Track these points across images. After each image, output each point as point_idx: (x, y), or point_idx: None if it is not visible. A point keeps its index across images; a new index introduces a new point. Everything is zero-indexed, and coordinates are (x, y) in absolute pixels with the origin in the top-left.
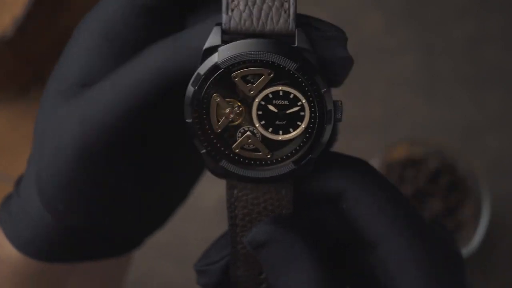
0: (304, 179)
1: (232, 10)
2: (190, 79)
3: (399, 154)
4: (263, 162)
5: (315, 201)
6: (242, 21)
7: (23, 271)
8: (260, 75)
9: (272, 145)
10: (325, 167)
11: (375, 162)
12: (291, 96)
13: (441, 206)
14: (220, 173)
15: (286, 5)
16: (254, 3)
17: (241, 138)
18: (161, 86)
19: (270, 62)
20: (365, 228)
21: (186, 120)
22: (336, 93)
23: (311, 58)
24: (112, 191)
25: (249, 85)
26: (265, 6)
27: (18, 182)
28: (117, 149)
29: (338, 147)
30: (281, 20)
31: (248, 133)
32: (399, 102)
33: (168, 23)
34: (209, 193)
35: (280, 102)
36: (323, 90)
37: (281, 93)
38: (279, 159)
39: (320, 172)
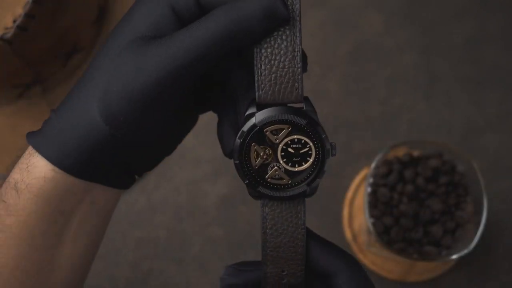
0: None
1: (262, 89)
2: (247, 38)
3: (399, 154)
4: (286, 186)
5: (314, 275)
6: (269, 97)
7: (53, 184)
8: (282, 129)
9: (292, 175)
10: (328, 255)
11: (375, 162)
12: (303, 141)
13: (440, 205)
14: (257, 196)
15: (296, 85)
16: (276, 84)
17: (271, 171)
18: (227, 40)
19: (288, 120)
20: None
21: (235, 162)
22: (336, 93)
23: (314, 116)
24: (159, 117)
25: (275, 136)
26: (283, 87)
27: (57, 109)
28: (181, 89)
29: (339, 147)
30: (294, 95)
31: (275, 167)
32: (399, 102)
33: None
34: (209, 193)
35: (295, 146)
36: (323, 136)
37: (296, 140)
38: (296, 183)
39: (328, 257)
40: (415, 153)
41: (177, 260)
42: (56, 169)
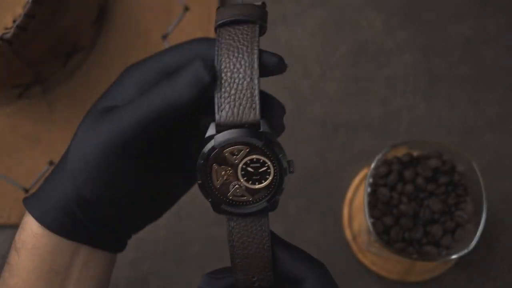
0: (283, 265)
1: (221, 111)
2: (181, 114)
3: (399, 154)
4: (247, 203)
5: (283, 279)
6: (228, 118)
7: (43, 241)
8: (241, 150)
9: (252, 192)
10: (295, 260)
11: (375, 162)
12: (261, 160)
13: (440, 205)
14: (221, 212)
15: (254, 105)
16: (234, 107)
17: (232, 189)
18: (157, 117)
19: (246, 142)
20: None
21: (197, 182)
22: (336, 93)
23: (271, 137)
24: (116, 180)
25: (234, 156)
26: (241, 108)
27: (51, 172)
28: (128, 152)
29: (340, 147)
30: (251, 116)
31: (236, 186)
32: (399, 102)
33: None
34: None
35: (254, 165)
36: (280, 155)
37: (254, 159)
38: (257, 200)
39: (295, 263)
40: (415, 153)
41: (177, 260)
42: (42, 226)
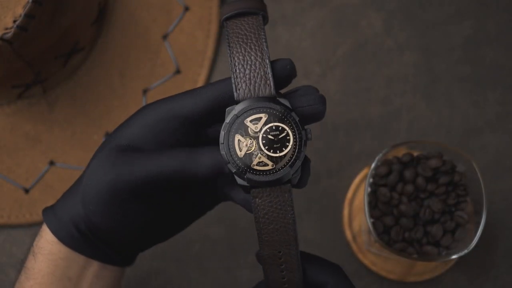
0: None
1: (239, 90)
2: (189, 181)
3: (399, 154)
4: (271, 171)
5: (309, 284)
6: (246, 95)
7: (58, 249)
8: (260, 117)
9: (275, 160)
10: (319, 269)
11: (375, 162)
12: (280, 128)
13: (440, 205)
14: (245, 185)
15: (268, 82)
16: (250, 84)
17: (256, 159)
18: (169, 178)
19: (265, 108)
20: None
21: (221, 153)
22: (336, 93)
23: (287, 104)
24: (123, 212)
25: (255, 125)
26: (256, 85)
27: (65, 195)
28: (138, 196)
29: (340, 147)
30: (267, 91)
31: (259, 155)
32: (399, 102)
33: (201, 129)
34: None
35: (274, 133)
36: (297, 119)
37: (273, 127)
38: (280, 168)
39: (317, 271)
40: (415, 153)
41: (177, 260)
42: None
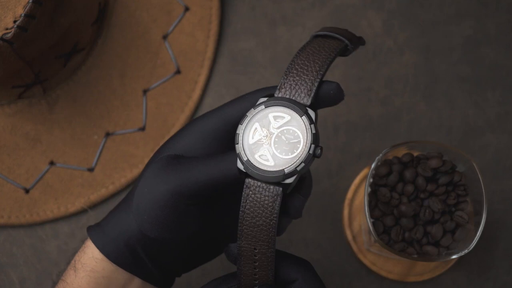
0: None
1: (280, 89)
2: (230, 185)
3: (399, 154)
4: (267, 168)
5: (279, 283)
6: (284, 94)
7: (101, 266)
8: (283, 117)
9: (277, 159)
10: (289, 266)
11: (375, 162)
12: (296, 134)
13: (440, 205)
14: (242, 170)
15: (309, 93)
16: (291, 89)
17: (261, 151)
18: (223, 181)
19: (289, 110)
20: None
21: (237, 131)
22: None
23: (312, 116)
24: (176, 221)
25: (276, 121)
26: (297, 92)
27: (112, 212)
28: (188, 200)
29: (340, 147)
30: (304, 99)
31: (266, 149)
32: (399, 102)
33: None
34: None
35: (288, 136)
36: (313, 132)
37: (291, 131)
38: (277, 170)
39: (288, 269)
40: (415, 153)
41: None
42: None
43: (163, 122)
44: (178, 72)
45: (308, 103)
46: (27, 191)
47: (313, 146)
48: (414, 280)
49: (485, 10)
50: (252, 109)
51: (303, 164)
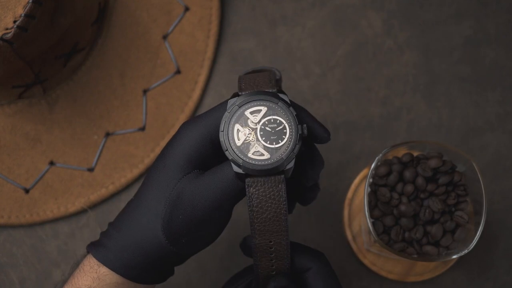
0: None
1: (243, 87)
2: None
3: (399, 154)
4: (266, 161)
5: (295, 272)
6: (248, 88)
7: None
8: (260, 110)
9: (270, 151)
10: (304, 256)
11: (375, 162)
12: (278, 121)
13: (440, 205)
14: (241, 173)
15: (271, 83)
16: (253, 84)
17: (252, 148)
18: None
19: (264, 101)
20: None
21: (220, 139)
22: (336, 93)
23: (286, 98)
24: (209, 231)
25: (254, 116)
26: (260, 84)
27: (115, 225)
28: (221, 206)
29: (340, 147)
30: (268, 86)
31: (256, 145)
32: (399, 102)
33: None
34: None
35: (272, 125)
36: (294, 114)
37: (272, 120)
38: (275, 158)
39: (302, 258)
40: (415, 153)
41: None
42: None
43: (163, 122)
44: (178, 72)
45: (275, 90)
46: (27, 191)
47: (299, 126)
48: (414, 280)
49: (485, 10)
50: (226, 112)
51: (297, 146)
